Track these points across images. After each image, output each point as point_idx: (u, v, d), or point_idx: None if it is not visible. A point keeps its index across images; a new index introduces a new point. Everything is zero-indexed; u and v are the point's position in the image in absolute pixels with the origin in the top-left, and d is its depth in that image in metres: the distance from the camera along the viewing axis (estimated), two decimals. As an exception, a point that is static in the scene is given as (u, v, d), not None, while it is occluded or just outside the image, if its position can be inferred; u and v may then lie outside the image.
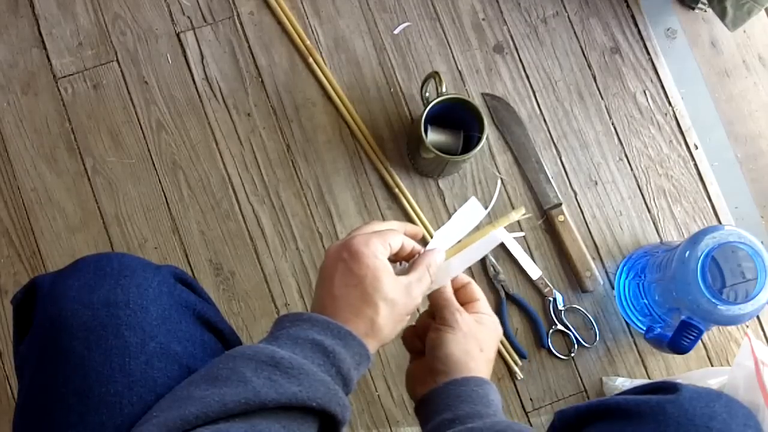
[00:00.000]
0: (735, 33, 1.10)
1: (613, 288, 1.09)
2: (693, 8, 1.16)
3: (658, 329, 0.97)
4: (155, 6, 1.14)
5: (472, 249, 0.71)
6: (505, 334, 1.07)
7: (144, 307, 0.62)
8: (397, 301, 0.64)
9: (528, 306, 1.08)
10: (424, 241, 0.73)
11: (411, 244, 0.69)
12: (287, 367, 0.55)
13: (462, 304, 0.71)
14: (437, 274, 0.69)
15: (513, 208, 1.09)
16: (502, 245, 1.08)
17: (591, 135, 1.13)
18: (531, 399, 1.07)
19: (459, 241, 0.72)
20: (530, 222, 1.10)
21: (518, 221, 1.10)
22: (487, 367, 0.69)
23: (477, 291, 0.73)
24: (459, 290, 0.73)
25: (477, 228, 0.72)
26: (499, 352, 1.06)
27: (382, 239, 0.65)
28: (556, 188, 1.10)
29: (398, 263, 0.70)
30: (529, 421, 1.06)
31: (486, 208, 0.73)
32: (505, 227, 0.72)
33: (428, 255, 0.69)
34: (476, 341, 0.68)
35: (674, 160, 1.13)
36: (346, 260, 0.64)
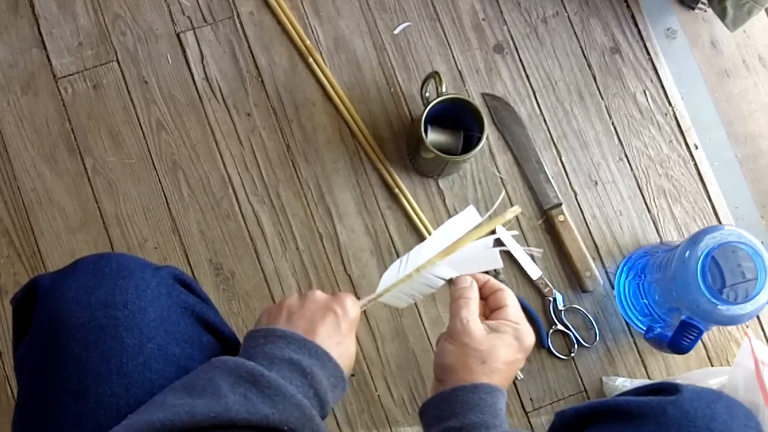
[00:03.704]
0: (735, 33, 1.10)
1: (613, 288, 1.09)
2: (693, 8, 1.16)
3: (658, 329, 0.97)
4: (155, 6, 1.14)
5: (468, 250, 0.71)
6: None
7: (142, 308, 0.62)
8: (346, 366, 0.66)
9: (528, 306, 1.08)
10: (421, 238, 0.73)
11: None
12: (264, 386, 0.55)
13: (492, 311, 0.71)
14: (427, 277, 0.71)
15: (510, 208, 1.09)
16: (501, 244, 1.08)
17: (591, 135, 1.13)
18: (531, 399, 1.07)
19: (454, 242, 0.72)
20: (530, 222, 1.10)
21: (518, 220, 1.10)
22: (493, 378, 0.66)
23: (506, 298, 0.70)
24: (489, 296, 0.72)
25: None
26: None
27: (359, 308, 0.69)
28: (556, 188, 1.10)
29: None
30: (529, 421, 1.06)
31: (485, 213, 0.73)
32: (502, 225, 0.72)
33: None
34: (477, 353, 0.66)
35: (674, 160, 1.13)
36: (338, 315, 0.65)
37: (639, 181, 1.12)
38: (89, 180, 1.10)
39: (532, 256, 1.08)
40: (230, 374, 0.56)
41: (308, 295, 0.67)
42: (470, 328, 0.67)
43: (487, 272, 1.07)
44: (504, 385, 0.67)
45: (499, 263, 0.71)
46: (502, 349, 0.67)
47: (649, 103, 1.14)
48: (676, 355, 1.01)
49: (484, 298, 0.72)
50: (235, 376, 0.55)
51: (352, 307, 0.67)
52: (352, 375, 1.06)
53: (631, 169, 1.12)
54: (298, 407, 0.56)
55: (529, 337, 0.69)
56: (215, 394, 0.54)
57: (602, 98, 1.14)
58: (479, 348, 0.66)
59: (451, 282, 0.72)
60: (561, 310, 1.08)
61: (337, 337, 0.64)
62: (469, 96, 1.12)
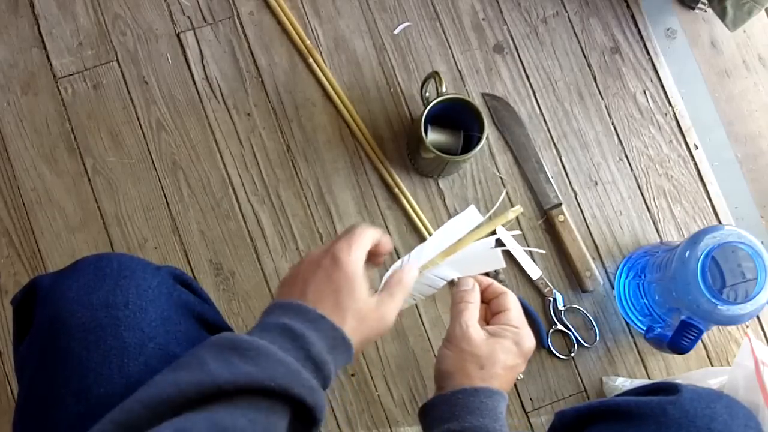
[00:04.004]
0: (735, 33, 1.10)
1: (613, 288, 1.09)
2: (693, 8, 1.16)
3: (658, 329, 0.97)
4: (155, 6, 1.14)
5: (470, 251, 0.71)
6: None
7: (143, 308, 0.62)
8: (365, 317, 0.63)
9: (528, 306, 1.08)
10: (421, 238, 0.73)
11: (378, 237, 0.67)
12: (245, 349, 0.54)
13: (493, 314, 0.70)
14: (429, 278, 0.70)
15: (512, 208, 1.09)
16: (502, 244, 1.08)
17: (591, 135, 1.13)
18: (531, 399, 1.07)
19: (456, 243, 0.72)
20: (530, 222, 1.10)
21: (518, 221, 1.10)
22: (492, 383, 0.65)
23: (509, 302, 0.70)
24: (492, 300, 0.71)
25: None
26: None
27: (362, 245, 0.64)
28: (556, 188, 1.10)
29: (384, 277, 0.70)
30: (529, 421, 1.06)
31: (485, 213, 0.73)
32: (503, 225, 0.72)
33: (400, 272, 0.68)
34: (476, 358, 0.66)
35: (674, 160, 1.13)
36: (326, 267, 0.63)
37: (639, 181, 1.12)
38: (89, 180, 1.10)
39: (531, 254, 1.08)
40: (213, 347, 0.55)
41: (305, 256, 0.66)
42: (469, 334, 0.67)
43: (487, 273, 1.07)
44: (505, 389, 0.66)
45: (501, 263, 0.71)
46: (501, 354, 0.66)
47: (649, 103, 1.14)
48: (676, 355, 1.01)
49: (486, 301, 0.71)
50: (218, 347, 0.55)
51: (342, 254, 0.63)
52: (352, 375, 1.06)
53: (631, 169, 1.12)
54: (282, 363, 0.54)
55: (530, 342, 0.68)
56: (198, 365, 0.53)
57: (602, 98, 1.14)
58: (478, 353, 0.66)
59: (452, 283, 0.72)
60: (561, 310, 1.08)
61: (328, 289, 0.62)
62: (469, 96, 1.12)
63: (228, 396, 0.52)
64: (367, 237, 0.65)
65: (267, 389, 0.53)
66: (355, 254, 0.63)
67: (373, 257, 0.68)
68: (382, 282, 0.69)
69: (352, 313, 0.62)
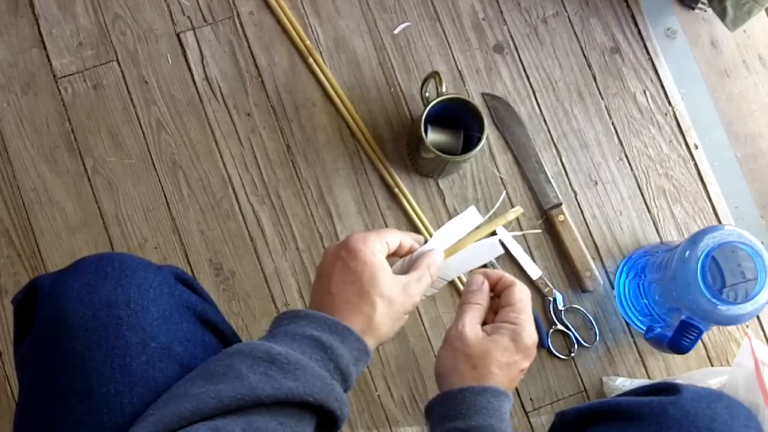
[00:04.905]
0: (735, 33, 1.10)
1: (613, 288, 1.09)
2: (693, 8, 1.16)
3: (658, 329, 0.97)
4: (155, 6, 1.14)
5: (469, 251, 0.71)
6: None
7: (145, 307, 0.62)
8: (394, 298, 0.64)
9: (528, 306, 1.08)
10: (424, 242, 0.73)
11: (409, 242, 0.70)
12: (283, 362, 0.55)
13: (502, 308, 0.69)
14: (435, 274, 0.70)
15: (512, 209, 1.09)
16: (502, 244, 1.08)
17: (591, 135, 1.13)
18: (531, 399, 1.07)
19: (456, 243, 0.72)
20: (530, 222, 1.10)
21: (518, 220, 1.10)
22: (488, 381, 0.65)
23: (513, 296, 0.68)
24: (503, 292, 0.70)
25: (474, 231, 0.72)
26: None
27: (379, 237, 0.66)
28: (556, 188, 1.10)
29: (402, 260, 0.70)
30: (529, 421, 1.06)
31: (485, 214, 0.73)
32: (503, 226, 0.72)
33: (428, 255, 0.69)
34: (467, 358, 0.66)
35: (674, 160, 1.13)
36: (344, 258, 0.64)
37: (639, 181, 1.12)
38: (89, 180, 1.10)
39: (530, 251, 1.08)
40: (247, 357, 0.56)
41: (324, 253, 0.68)
42: (464, 333, 0.67)
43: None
44: (509, 388, 0.66)
45: (498, 250, 0.71)
46: (496, 352, 0.66)
47: (649, 103, 1.14)
48: (676, 355, 1.01)
49: (498, 294, 0.71)
50: (253, 358, 0.56)
51: (356, 244, 0.64)
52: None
53: (631, 169, 1.12)
54: (319, 378, 0.56)
55: (528, 338, 0.67)
56: (236, 377, 0.54)
57: (602, 98, 1.14)
58: (470, 353, 0.66)
59: (452, 282, 0.72)
60: (561, 310, 1.08)
61: (350, 279, 0.63)
62: (469, 96, 1.12)
63: (265, 404, 0.53)
64: (386, 232, 0.67)
65: (305, 403, 0.55)
66: (371, 244, 0.65)
67: (401, 253, 0.70)
68: (403, 263, 0.70)
69: (381, 298, 0.63)
